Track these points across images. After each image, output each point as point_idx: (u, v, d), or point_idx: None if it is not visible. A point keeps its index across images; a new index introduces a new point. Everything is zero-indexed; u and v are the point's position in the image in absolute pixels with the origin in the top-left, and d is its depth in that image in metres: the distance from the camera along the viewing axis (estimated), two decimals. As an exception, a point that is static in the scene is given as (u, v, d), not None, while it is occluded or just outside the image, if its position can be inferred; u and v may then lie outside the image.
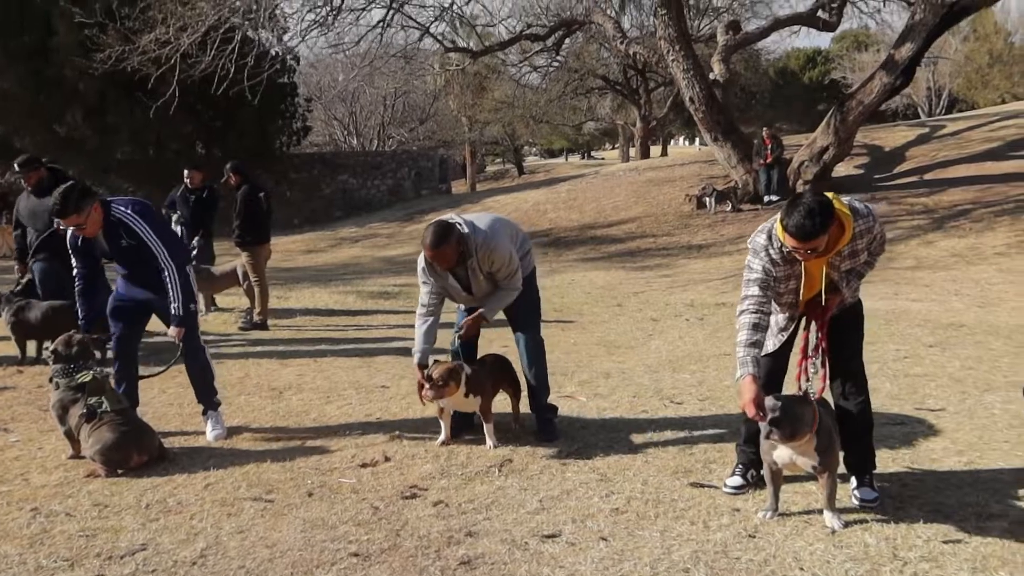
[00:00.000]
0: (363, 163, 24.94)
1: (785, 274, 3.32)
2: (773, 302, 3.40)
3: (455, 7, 17.13)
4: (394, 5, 15.59)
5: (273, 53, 17.39)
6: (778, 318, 3.49)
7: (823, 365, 3.40)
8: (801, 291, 3.38)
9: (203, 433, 4.56)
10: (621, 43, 17.66)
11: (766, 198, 14.85)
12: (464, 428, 4.48)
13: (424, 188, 24.63)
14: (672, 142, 58.05)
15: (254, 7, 14.44)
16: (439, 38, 19.32)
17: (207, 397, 4.62)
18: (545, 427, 4.43)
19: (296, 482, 3.83)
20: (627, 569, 2.91)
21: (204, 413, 4.63)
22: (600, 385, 5.52)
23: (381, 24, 15.52)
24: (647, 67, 27.61)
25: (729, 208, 14.91)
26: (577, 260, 13.06)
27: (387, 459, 4.12)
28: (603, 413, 4.88)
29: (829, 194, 3.23)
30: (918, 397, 5.00)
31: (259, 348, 7.07)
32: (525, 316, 4.46)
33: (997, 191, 13.15)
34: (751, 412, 3.12)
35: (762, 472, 3.45)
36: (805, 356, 3.40)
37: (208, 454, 4.24)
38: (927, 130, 18.99)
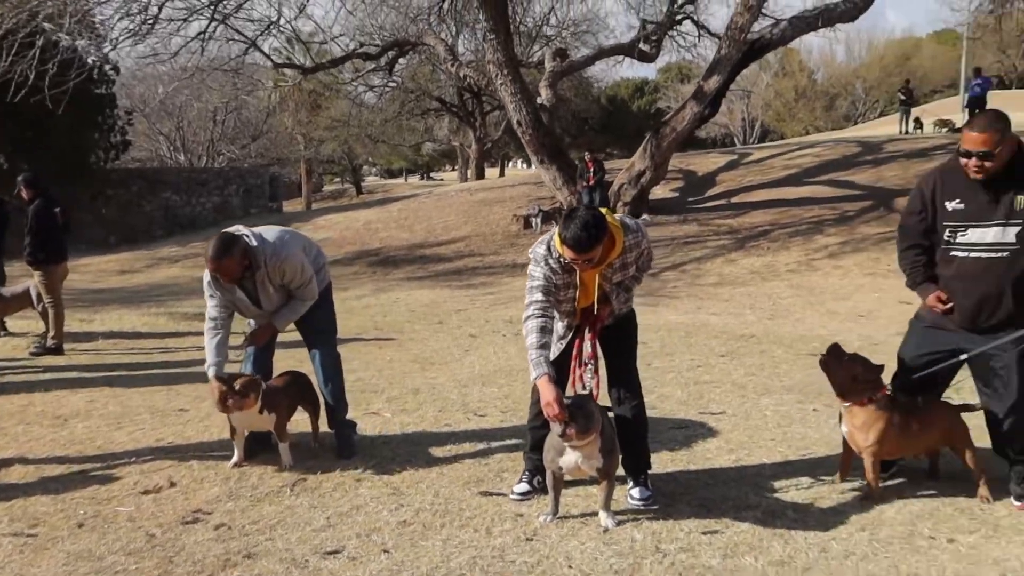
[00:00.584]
0: (188, 180, 23.86)
1: (564, 282, 3.49)
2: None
3: (282, 22, 16.78)
4: (216, 16, 15.06)
5: (90, 62, 16.35)
6: (558, 326, 3.65)
7: (596, 372, 3.59)
8: (578, 300, 3.57)
9: (-35, 466, 4.20)
10: (452, 65, 17.92)
11: (589, 219, 15.44)
12: (260, 448, 4.36)
13: (253, 206, 23.88)
14: (510, 163, 59.34)
15: (61, 10, 13.53)
16: (267, 53, 18.84)
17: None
18: (343, 444, 4.39)
19: (66, 513, 3.59)
20: (403, 579, 2.94)
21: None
22: (408, 401, 5.54)
23: (201, 36, 14.93)
24: (481, 90, 28.13)
25: (554, 228, 15.41)
26: (404, 279, 13.06)
27: (172, 484, 3.95)
28: (406, 428, 4.90)
29: (603, 210, 3.43)
30: (703, 402, 5.35)
31: (49, 375, 6.57)
32: (320, 331, 4.42)
33: (793, 214, 14.33)
34: (551, 411, 3.23)
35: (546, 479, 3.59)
36: (580, 364, 3.57)
37: (-32, 489, 3.91)
38: (736, 157, 20.44)
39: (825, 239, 12.59)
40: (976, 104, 22.72)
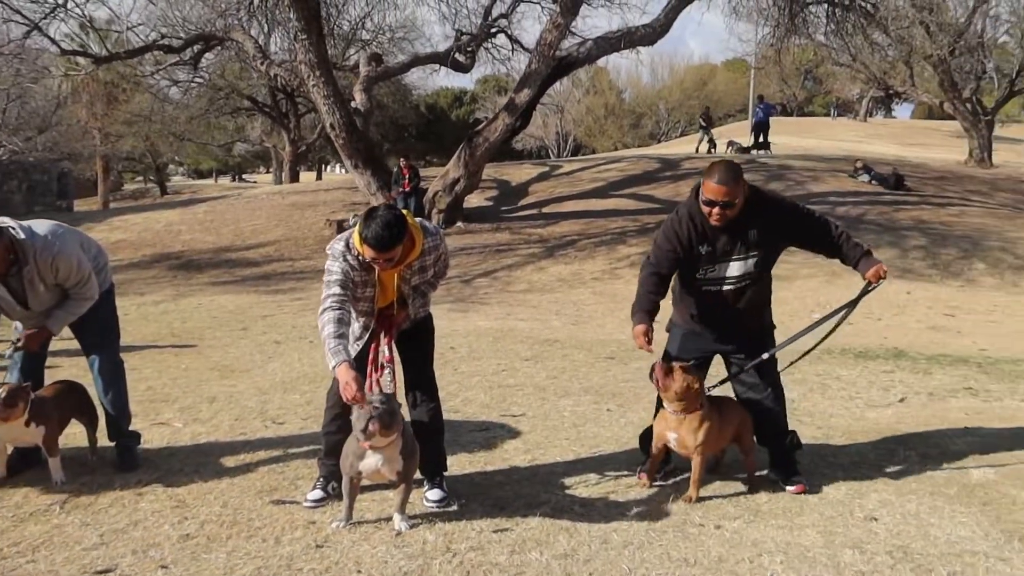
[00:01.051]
0: (-42, 173, 21.47)
1: (362, 280, 3.47)
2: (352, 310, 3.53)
3: (70, 5, 15.49)
4: (-8, -6, 13.70)
5: None
6: (355, 327, 3.62)
7: (394, 376, 3.58)
8: (376, 300, 3.55)
9: None
10: (262, 64, 17.32)
11: (404, 225, 15.41)
12: (26, 467, 4.00)
13: (38, 204, 21.84)
14: (328, 168, 58.10)
15: None
16: (53, 38, 17.33)
17: None
18: (125, 457, 4.12)
19: None
20: (181, 595, 2.79)
21: None
22: (202, 410, 5.28)
23: (-26, 13, 13.51)
24: (294, 91, 27.34)
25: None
26: (208, 283, 12.43)
27: (-84, 507, 3.53)
28: (198, 438, 4.67)
29: (405, 211, 3.45)
30: (505, 405, 5.48)
31: None
32: (100, 336, 4.12)
33: (599, 224, 15.03)
34: (349, 392, 3.17)
35: (342, 484, 3.54)
36: (377, 368, 3.55)
37: None
38: (548, 169, 21.15)
39: (627, 249, 13.29)
40: (760, 128, 24.89)
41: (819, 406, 5.44)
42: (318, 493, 3.66)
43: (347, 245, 3.43)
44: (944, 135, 41.16)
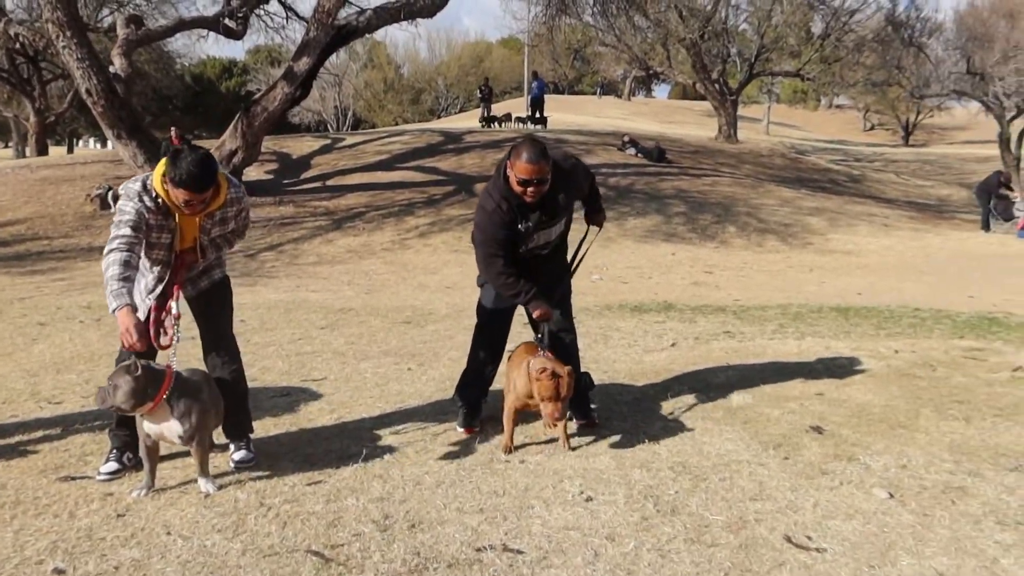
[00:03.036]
0: None
1: (158, 224, 3.29)
2: (144, 259, 3.34)
3: None
4: None
5: None
6: (147, 280, 3.43)
7: (177, 329, 3.40)
8: (176, 246, 3.39)
9: None
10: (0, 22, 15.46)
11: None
12: None
13: None
14: (80, 142, 53.06)
15: None
16: None
17: None
18: None
19: None
20: (-36, 578, 2.57)
21: None
22: (-41, 396, 4.76)
23: None
24: (38, 54, 24.69)
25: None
26: (-53, 267, 11.04)
27: None
28: (-41, 424, 4.22)
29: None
30: (305, 371, 5.42)
31: None
32: None
33: (385, 196, 15.00)
34: (128, 339, 3.02)
35: (139, 453, 3.37)
36: (157, 325, 3.36)
37: None
38: (329, 141, 20.73)
39: (416, 220, 13.41)
40: (536, 104, 25.86)
41: (603, 354, 5.87)
42: (112, 465, 3.46)
43: (144, 186, 3.24)
44: (697, 114, 45.05)
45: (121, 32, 16.51)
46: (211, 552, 2.74)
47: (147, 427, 3.18)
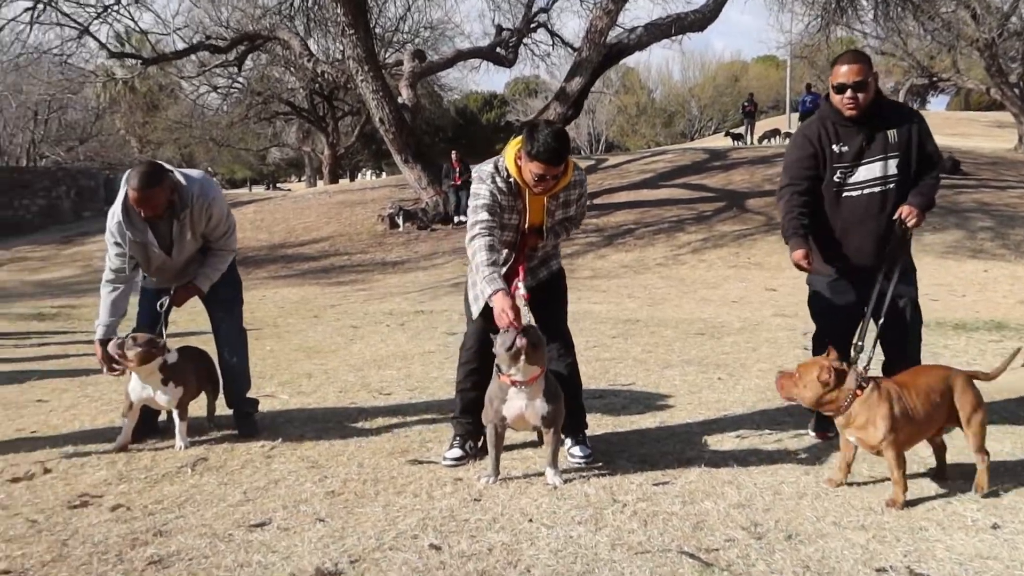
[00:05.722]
0: (7, 180, 21.67)
1: (509, 205, 3.29)
2: None
3: (120, 5, 15.56)
4: (44, -2, 13.77)
5: None
6: None
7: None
8: (523, 227, 3.37)
9: None
10: (309, 61, 17.32)
11: (456, 219, 15.29)
12: (147, 433, 3.89)
13: (87, 209, 22.04)
14: (360, 175, 58.34)
15: None
16: (101, 41, 17.48)
17: None
18: (245, 423, 3.99)
19: (-82, 506, 3.02)
20: (350, 544, 2.63)
21: None
22: (303, 384, 5.16)
23: (30, 15, 13.59)
24: (334, 94, 27.43)
25: (417, 227, 15.18)
26: (268, 278, 12.39)
27: (47, 471, 3.42)
28: (308, 407, 4.54)
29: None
30: (610, 376, 5.30)
31: None
32: (228, 300, 4.07)
33: (654, 213, 14.79)
34: (505, 318, 3.00)
35: (484, 440, 3.38)
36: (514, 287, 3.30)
37: None
38: (594, 162, 20.96)
39: (687, 236, 13.05)
40: (807, 118, 24.47)
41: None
42: (456, 451, 3.49)
43: (496, 167, 3.26)
44: (983, 125, 40.36)
45: (407, 65, 17.83)
46: (579, 543, 2.61)
47: (509, 406, 3.11)
